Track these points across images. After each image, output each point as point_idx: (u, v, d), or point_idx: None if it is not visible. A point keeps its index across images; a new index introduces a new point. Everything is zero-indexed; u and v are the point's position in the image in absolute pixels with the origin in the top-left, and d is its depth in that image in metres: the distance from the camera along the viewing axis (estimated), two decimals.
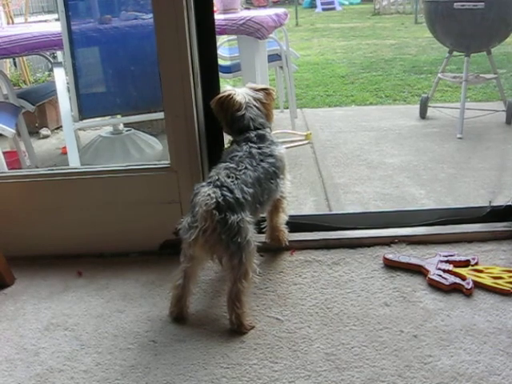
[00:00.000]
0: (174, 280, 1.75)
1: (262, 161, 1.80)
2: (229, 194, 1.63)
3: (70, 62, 2.94)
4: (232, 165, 1.74)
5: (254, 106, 1.90)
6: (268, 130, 1.94)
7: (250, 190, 1.70)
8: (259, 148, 1.83)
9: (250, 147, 1.82)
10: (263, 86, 1.98)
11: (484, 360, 1.51)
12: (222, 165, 1.75)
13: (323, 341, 1.63)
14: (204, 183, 1.68)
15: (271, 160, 1.84)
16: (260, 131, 1.88)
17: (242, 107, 1.88)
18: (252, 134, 1.86)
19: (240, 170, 1.72)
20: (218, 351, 1.61)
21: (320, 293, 1.86)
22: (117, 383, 1.52)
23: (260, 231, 2.07)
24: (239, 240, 1.62)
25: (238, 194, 1.65)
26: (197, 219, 1.60)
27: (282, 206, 2.03)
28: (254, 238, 1.69)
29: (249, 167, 1.75)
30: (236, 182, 1.67)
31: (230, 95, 1.88)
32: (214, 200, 1.59)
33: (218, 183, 1.65)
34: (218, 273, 1.98)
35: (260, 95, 1.93)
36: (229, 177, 1.68)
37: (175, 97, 2.02)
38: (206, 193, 1.60)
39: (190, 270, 1.72)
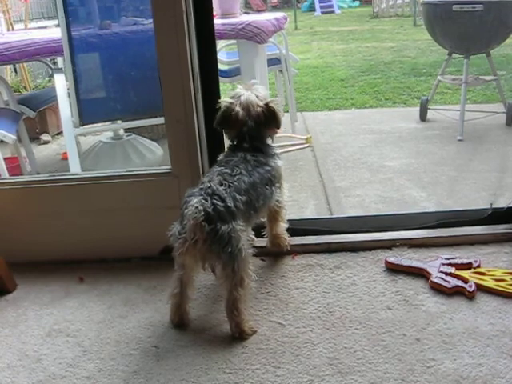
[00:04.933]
0: (171, 289, 1.75)
1: (257, 167, 1.79)
2: (219, 203, 1.61)
3: (71, 67, 2.94)
4: (226, 170, 1.72)
5: (255, 116, 1.85)
6: (266, 141, 1.90)
7: (243, 198, 1.68)
8: (254, 156, 1.81)
9: (246, 154, 1.81)
10: (267, 101, 1.88)
11: (487, 363, 1.51)
12: (217, 169, 1.73)
13: (326, 345, 1.62)
14: (195, 189, 1.65)
15: (267, 168, 1.82)
16: (256, 142, 1.85)
17: (242, 121, 1.84)
18: (247, 145, 1.84)
19: (234, 176, 1.70)
20: (220, 356, 1.61)
21: (322, 297, 1.86)
22: None
23: (260, 236, 2.07)
24: (230, 249, 1.60)
25: (230, 203, 1.63)
26: (185, 231, 1.58)
27: (281, 215, 2.03)
28: (247, 246, 1.68)
29: (244, 172, 1.73)
30: (228, 189, 1.65)
31: (228, 110, 1.84)
32: (202, 213, 1.57)
33: (210, 191, 1.62)
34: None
35: (259, 110, 1.86)
36: (221, 184, 1.65)
37: (175, 102, 2.02)
38: (193, 206, 1.57)
39: (185, 278, 1.71)
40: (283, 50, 4.14)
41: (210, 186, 1.64)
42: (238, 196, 1.66)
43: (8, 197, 2.19)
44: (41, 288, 2.05)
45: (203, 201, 1.59)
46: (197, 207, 1.57)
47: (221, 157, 1.87)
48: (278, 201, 1.96)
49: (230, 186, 1.66)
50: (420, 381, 1.46)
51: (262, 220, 2.03)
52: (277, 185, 1.90)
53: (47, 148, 4.37)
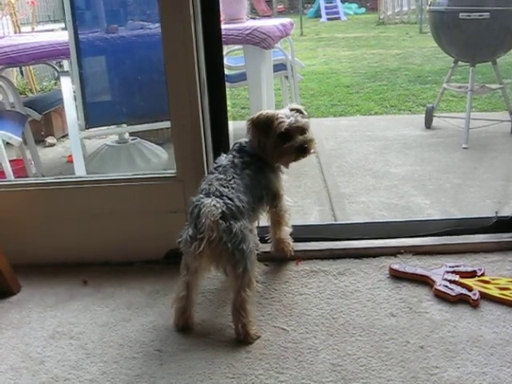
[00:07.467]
0: (176, 293, 1.75)
1: (244, 169, 1.80)
2: (230, 203, 1.64)
3: (77, 70, 2.96)
4: (221, 175, 1.74)
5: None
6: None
7: (245, 198, 1.71)
8: (241, 158, 1.82)
9: (234, 156, 1.83)
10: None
11: (491, 372, 1.50)
12: (211, 176, 1.76)
13: (329, 351, 1.62)
14: (202, 195, 1.67)
15: (253, 168, 1.83)
16: (243, 145, 1.88)
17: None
18: (236, 146, 1.88)
19: (230, 180, 1.72)
20: (223, 361, 1.61)
21: (326, 303, 1.86)
22: None
23: (264, 241, 2.07)
24: (244, 247, 1.62)
25: (238, 203, 1.66)
26: (202, 231, 1.58)
27: (285, 219, 2.04)
28: (255, 247, 1.70)
29: (235, 176, 1.75)
30: (232, 191, 1.68)
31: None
32: (220, 210, 1.60)
33: (218, 193, 1.65)
34: (223, 282, 1.97)
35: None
36: (224, 186, 1.68)
37: (181, 106, 2.03)
38: (210, 204, 1.60)
39: (192, 282, 1.72)
40: (289, 56, 4.15)
41: (216, 188, 1.67)
42: (241, 196, 1.70)
43: (12, 199, 2.19)
44: (45, 290, 2.05)
45: (217, 199, 1.62)
46: (214, 205, 1.60)
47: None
48: (278, 206, 1.97)
49: (232, 188, 1.69)
50: None
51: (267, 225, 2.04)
52: (268, 187, 1.90)
53: (52, 151, 4.38)
